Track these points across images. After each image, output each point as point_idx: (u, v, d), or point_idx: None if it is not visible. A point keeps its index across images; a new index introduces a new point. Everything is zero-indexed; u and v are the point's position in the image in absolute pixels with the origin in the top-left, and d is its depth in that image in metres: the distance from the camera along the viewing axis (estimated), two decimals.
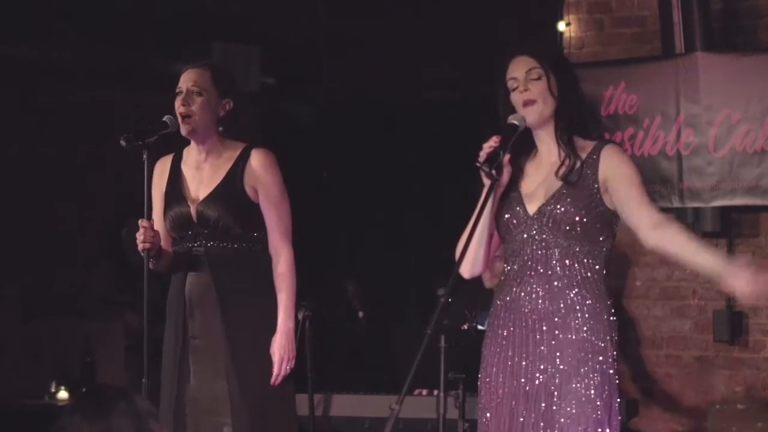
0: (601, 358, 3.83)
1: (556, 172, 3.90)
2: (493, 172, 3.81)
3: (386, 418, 3.42)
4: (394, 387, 4.12)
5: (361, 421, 6.20)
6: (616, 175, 3.87)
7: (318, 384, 6.01)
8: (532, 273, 3.89)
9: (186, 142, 4.86)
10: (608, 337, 3.86)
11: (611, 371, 3.84)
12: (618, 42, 7.16)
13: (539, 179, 3.95)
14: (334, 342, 7.71)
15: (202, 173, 4.80)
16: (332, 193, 8.42)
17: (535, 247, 3.89)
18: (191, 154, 4.85)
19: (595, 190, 3.88)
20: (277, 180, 4.77)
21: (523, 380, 3.87)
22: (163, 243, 4.74)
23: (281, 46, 8.27)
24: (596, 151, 3.92)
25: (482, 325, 6.00)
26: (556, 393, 3.82)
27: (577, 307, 3.85)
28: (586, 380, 3.81)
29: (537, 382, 3.85)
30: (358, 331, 8.14)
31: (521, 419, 3.86)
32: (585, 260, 3.87)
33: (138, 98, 7.54)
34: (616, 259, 6.88)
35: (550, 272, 3.87)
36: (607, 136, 6.68)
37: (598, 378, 3.82)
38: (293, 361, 4.74)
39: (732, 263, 3.73)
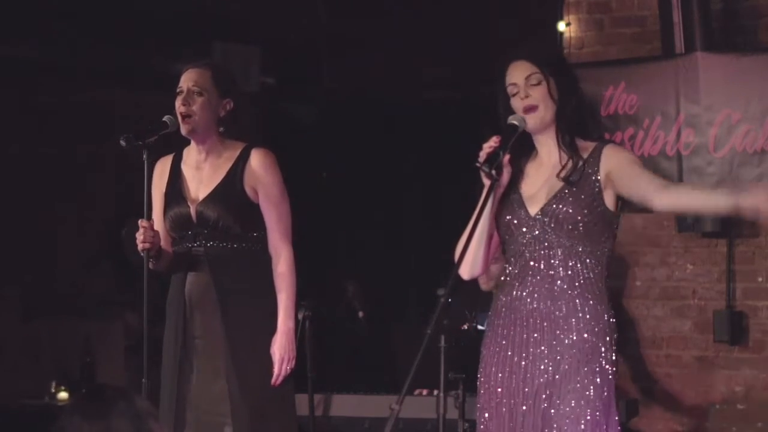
0: (601, 359, 3.84)
1: (558, 174, 3.90)
2: (493, 172, 3.81)
3: (386, 418, 3.42)
4: (394, 387, 4.12)
5: (361, 421, 6.20)
6: (617, 164, 3.88)
7: (318, 384, 6.01)
8: (534, 273, 3.89)
9: (186, 142, 4.86)
10: (608, 338, 3.86)
11: (611, 372, 3.85)
12: (618, 42, 7.16)
13: (540, 181, 3.96)
14: (334, 342, 7.71)
15: (201, 173, 4.80)
16: (332, 193, 8.42)
17: (537, 248, 3.89)
18: (191, 154, 4.85)
19: (596, 190, 3.88)
20: (277, 180, 4.76)
21: (522, 380, 3.87)
22: (162, 243, 4.74)
23: (281, 46, 8.27)
24: (597, 151, 3.93)
25: (482, 325, 6.01)
26: (555, 393, 3.82)
27: (579, 308, 3.85)
28: (586, 380, 3.81)
29: (537, 382, 3.85)
30: (358, 331, 8.14)
31: (521, 419, 3.87)
32: (587, 260, 3.87)
33: (138, 98, 7.55)
34: (616, 259, 6.88)
35: (552, 273, 3.87)
36: (607, 136, 6.68)
37: (598, 378, 3.82)
38: (293, 361, 4.74)
39: (742, 189, 3.68)
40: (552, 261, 3.87)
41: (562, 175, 3.90)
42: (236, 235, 4.73)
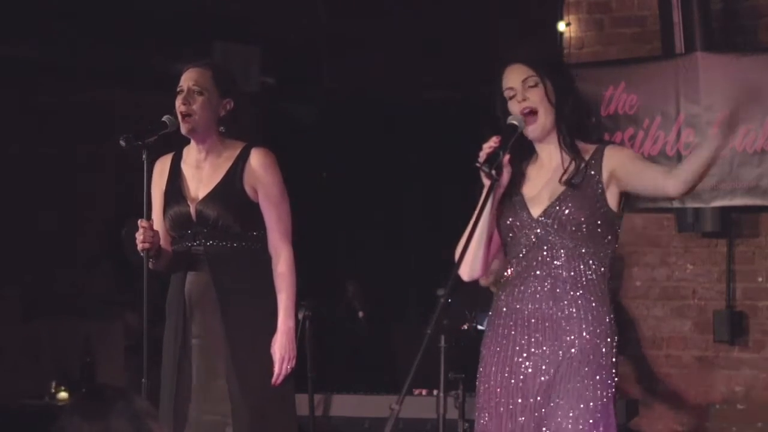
0: (602, 359, 3.84)
1: (561, 178, 3.90)
2: (493, 172, 3.81)
3: (386, 418, 3.42)
4: (394, 387, 4.12)
5: (361, 421, 6.21)
6: (620, 163, 3.89)
7: (318, 384, 6.01)
8: (536, 274, 3.89)
9: (185, 142, 4.86)
10: (609, 339, 3.87)
11: (611, 373, 3.85)
12: (618, 42, 7.17)
13: (542, 182, 3.96)
14: (334, 342, 7.71)
15: (201, 172, 4.80)
16: (332, 193, 8.42)
17: (539, 250, 3.89)
18: (191, 154, 4.85)
19: (599, 191, 3.89)
20: (277, 180, 4.76)
21: (523, 380, 3.87)
22: (162, 242, 4.74)
23: (281, 46, 8.27)
24: (598, 153, 3.93)
25: (482, 325, 6.01)
26: (555, 393, 3.82)
27: (581, 309, 3.85)
28: (586, 381, 3.81)
29: (537, 381, 3.85)
30: (358, 331, 8.14)
31: (520, 419, 3.86)
32: (590, 262, 3.87)
33: (138, 98, 7.55)
34: (616, 259, 6.88)
35: (554, 274, 3.87)
36: (607, 136, 6.70)
37: (599, 379, 3.82)
38: (293, 361, 4.74)
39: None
40: (555, 262, 3.87)
41: (564, 178, 3.90)
42: (236, 234, 4.73)
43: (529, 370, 3.86)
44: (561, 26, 7.24)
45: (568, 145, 3.93)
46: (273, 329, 4.71)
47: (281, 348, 4.70)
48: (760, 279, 6.87)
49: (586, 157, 3.92)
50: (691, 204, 6.77)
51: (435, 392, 5.44)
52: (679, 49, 6.76)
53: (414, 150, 8.30)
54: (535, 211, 3.92)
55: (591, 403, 3.79)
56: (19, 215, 8.00)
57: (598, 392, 3.81)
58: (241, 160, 4.75)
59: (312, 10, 8.27)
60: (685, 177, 3.77)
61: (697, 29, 6.70)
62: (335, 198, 8.37)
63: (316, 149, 8.40)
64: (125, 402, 2.65)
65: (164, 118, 4.73)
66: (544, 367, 3.85)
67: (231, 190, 4.73)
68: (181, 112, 4.72)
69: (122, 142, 4.56)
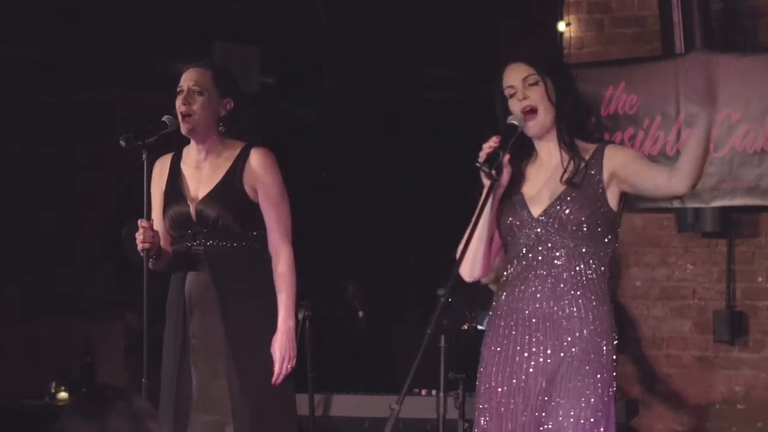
0: (603, 358, 3.84)
1: (561, 177, 3.90)
2: (493, 172, 3.81)
3: (386, 418, 3.42)
4: (394, 387, 4.11)
5: (361, 421, 6.21)
6: (621, 163, 3.89)
7: (318, 384, 6.01)
8: (537, 274, 3.89)
9: (185, 142, 4.86)
10: (609, 338, 3.87)
11: (612, 372, 3.85)
12: (618, 42, 7.17)
13: (541, 182, 3.96)
14: (334, 342, 7.71)
15: (201, 172, 4.80)
16: (332, 193, 8.42)
17: (540, 249, 3.89)
18: (191, 154, 4.85)
19: (600, 191, 3.89)
20: (277, 179, 4.76)
21: (525, 381, 3.87)
22: (162, 242, 4.74)
23: (281, 46, 8.27)
24: (599, 152, 3.93)
25: (482, 325, 6.01)
26: (556, 392, 3.82)
27: (582, 309, 3.86)
28: (587, 379, 3.81)
29: (538, 381, 3.85)
30: (358, 331, 8.14)
31: (522, 419, 3.86)
32: (591, 261, 3.88)
33: (138, 98, 7.54)
34: (616, 259, 6.89)
35: (555, 273, 3.87)
36: (607, 136, 6.70)
37: (600, 378, 3.82)
38: (294, 361, 4.74)
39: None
40: (555, 262, 3.88)
41: (564, 177, 3.90)
42: (236, 234, 4.73)
43: (531, 370, 3.87)
44: (561, 26, 7.24)
45: (568, 144, 3.93)
46: (273, 329, 4.71)
47: (281, 348, 4.70)
48: (760, 279, 6.87)
49: (586, 157, 3.93)
50: (691, 204, 6.78)
51: (434, 392, 5.45)
52: (679, 49, 6.76)
53: (414, 150, 8.30)
54: (536, 211, 3.92)
55: (592, 402, 3.80)
56: (19, 215, 8.00)
57: (599, 391, 3.81)
58: (241, 160, 4.75)
59: (312, 10, 8.27)
60: (685, 169, 3.77)
61: (697, 29, 6.70)
62: (335, 198, 8.37)
63: (316, 149, 8.39)
64: (124, 402, 2.65)
65: (164, 118, 4.73)
66: (545, 367, 3.85)
67: (231, 190, 4.73)
68: (181, 113, 4.72)
69: (122, 142, 4.57)
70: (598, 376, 3.82)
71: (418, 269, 8.30)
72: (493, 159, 3.81)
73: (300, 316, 5.55)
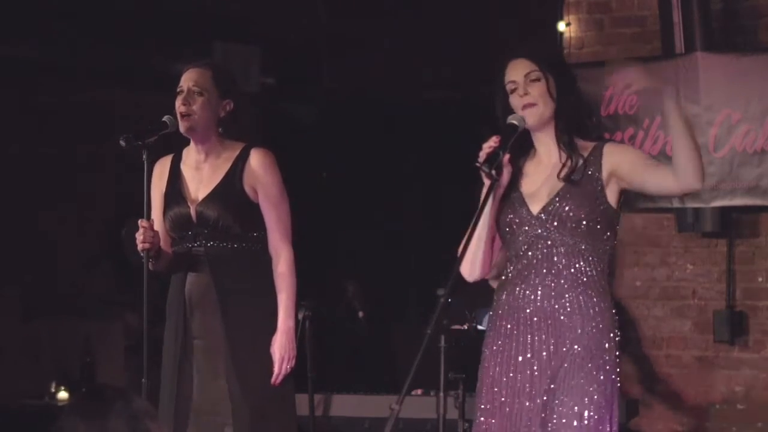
0: (606, 356, 3.84)
1: (559, 173, 3.91)
2: (493, 172, 3.81)
3: (386, 418, 3.42)
4: (394, 387, 4.11)
5: (361, 421, 6.20)
6: (622, 160, 3.89)
7: (318, 384, 6.01)
8: (537, 272, 3.89)
9: (185, 142, 4.86)
10: (611, 335, 3.87)
11: (614, 369, 3.85)
12: (618, 42, 7.17)
13: (540, 179, 3.96)
14: (334, 342, 7.71)
15: (201, 173, 4.80)
16: (332, 193, 8.42)
17: (539, 246, 3.89)
18: (191, 155, 4.85)
19: (599, 188, 3.89)
20: (277, 180, 4.76)
21: (529, 380, 3.87)
22: (162, 243, 4.74)
23: (281, 46, 8.27)
24: (597, 150, 3.93)
25: (482, 325, 6.01)
26: (558, 389, 3.82)
27: (583, 306, 3.86)
28: (590, 377, 3.81)
29: (541, 379, 3.85)
30: (358, 331, 8.14)
31: (526, 419, 3.86)
32: (590, 258, 3.88)
33: (138, 98, 7.54)
34: (617, 259, 6.89)
35: (554, 271, 3.87)
36: (607, 136, 6.69)
37: (602, 375, 3.82)
38: (293, 361, 4.74)
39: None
40: (554, 259, 3.88)
41: (563, 174, 3.90)
42: (236, 235, 4.73)
43: (534, 368, 3.87)
44: (561, 26, 7.24)
45: (566, 142, 3.93)
46: (273, 329, 4.71)
47: (281, 348, 4.70)
48: (760, 279, 6.87)
49: (585, 154, 3.93)
50: (691, 204, 6.78)
51: (432, 392, 5.45)
52: (679, 49, 6.76)
53: (414, 150, 8.30)
54: (535, 208, 3.92)
55: (595, 399, 3.80)
56: (19, 215, 8.00)
57: (603, 387, 3.81)
58: (241, 161, 4.75)
59: (312, 10, 8.27)
60: (683, 164, 3.77)
61: (697, 29, 6.70)
62: (335, 198, 8.37)
63: (316, 149, 8.39)
64: (124, 402, 2.65)
65: (164, 119, 4.73)
66: (548, 366, 3.85)
67: (231, 190, 4.73)
68: (180, 113, 4.72)
69: (122, 142, 4.56)
70: (601, 372, 3.82)
71: (418, 269, 8.30)
72: (493, 159, 3.81)
73: (300, 316, 5.55)
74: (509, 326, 3.93)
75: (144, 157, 4.62)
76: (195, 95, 4.73)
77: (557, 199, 3.89)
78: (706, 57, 6.68)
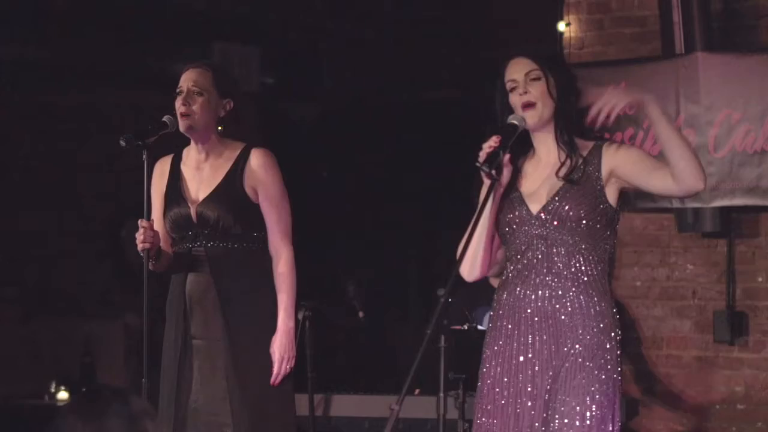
0: (608, 355, 3.84)
1: (558, 172, 3.90)
2: (493, 172, 3.81)
3: (386, 418, 3.42)
4: (394, 387, 4.12)
5: (361, 421, 6.20)
6: (622, 160, 3.89)
7: (318, 384, 6.01)
8: (537, 272, 3.89)
9: (185, 142, 4.86)
10: (613, 334, 3.87)
11: (615, 368, 3.85)
12: (618, 42, 7.16)
13: (540, 179, 3.96)
14: (334, 342, 7.71)
15: (201, 173, 4.80)
16: (332, 193, 8.42)
17: (539, 246, 3.89)
18: (191, 155, 4.85)
19: (599, 188, 3.89)
20: (277, 180, 4.76)
21: (531, 381, 3.87)
22: (162, 243, 4.74)
23: (281, 46, 8.27)
24: (597, 149, 3.94)
25: (482, 325, 6.01)
26: (560, 389, 3.82)
27: (583, 305, 3.86)
28: (591, 376, 3.81)
29: (543, 379, 3.85)
30: (358, 331, 8.13)
31: (528, 419, 3.86)
32: (590, 257, 3.88)
33: (138, 98, 7.54)
34: (617, 259, 6.89)
35: (555, 270, 3.87)
36: (607, 136, 6.68)
37: (603, 374, 3.82)
38: (293, 361, 4.74)
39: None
40: (554, 259, 3.88)
41: (562, 173, 3.90)
42: (237, 235, 4.73)
43: (536, 368, 3.87)
44: (561, 26, 7.24)
45: (565, 141, 3.93)
46: (273, 329, 4.71)
47: (281, 348, 4.70)
48: (760, 279, 6.86)
49: (584, 154, 3.93)
50: (691, 204, 6.77)
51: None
52: (679, 49, 6.76)
53: (414, 150, 8.30)
54: (534, 208, 3.92)
55: (597, 398, 3.80)
56: (19, 215, 7.99)
57: (604, 387, 3.81)
58: (241, 161, 4.75)
59: (312, 10, 8.27)
60: (680, 166, 3.77)
61: (697, 29, 6.69)
62: (335, 198, 8.37)
63: (316, 149, 8.39)
64: (122, 403, 2.65)
65: (165, 119, 4.73)
66: (548, 366, 3.85)
67: (231, 191, 4.73)
68: (180, 113, 4.72)
69: (122, 142, 4.56)
70: (603, 372, 3.82)
71: (418, 269, 8.30)
72: (493, 159, 3.81)
73: (300, 316, 5.55)
74: (510, 326, 3.93)
75: (144, 157, 4.62)
76: (195, 95, 4.73)
77: (557, 198, 3.89)
78: (706, 57, 6.68)
